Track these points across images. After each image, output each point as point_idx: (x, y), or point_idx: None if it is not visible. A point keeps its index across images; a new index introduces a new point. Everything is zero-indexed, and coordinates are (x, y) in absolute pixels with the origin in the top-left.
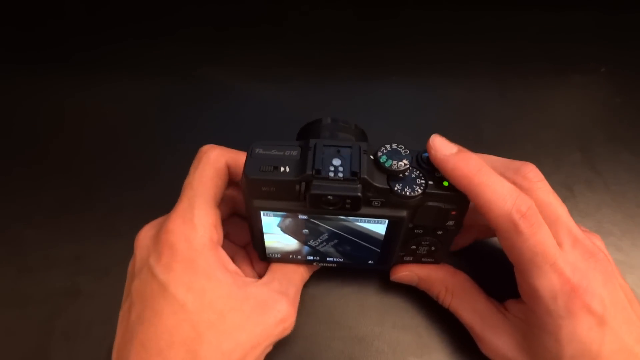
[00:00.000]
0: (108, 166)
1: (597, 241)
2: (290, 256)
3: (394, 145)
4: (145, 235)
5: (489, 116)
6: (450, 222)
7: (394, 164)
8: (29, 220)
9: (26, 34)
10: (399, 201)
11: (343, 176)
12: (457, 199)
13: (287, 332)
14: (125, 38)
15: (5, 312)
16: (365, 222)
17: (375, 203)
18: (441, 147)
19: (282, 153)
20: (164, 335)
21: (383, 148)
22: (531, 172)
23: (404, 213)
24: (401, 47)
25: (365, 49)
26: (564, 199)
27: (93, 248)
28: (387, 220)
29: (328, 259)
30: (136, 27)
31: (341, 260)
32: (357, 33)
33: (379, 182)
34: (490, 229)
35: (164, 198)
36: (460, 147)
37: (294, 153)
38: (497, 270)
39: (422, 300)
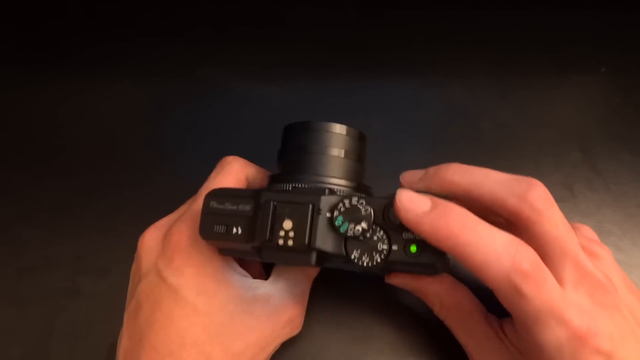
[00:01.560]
0: (108, 166)
1: (606, 257)
2: None
3: (354, 201)
4: (150, 237)
5: (489, 116)
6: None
7: (350, 229)
8: (29, 220)
9: (26, 33)
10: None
11: (293, 244)
12: (425, 269)
13: (296, 331)
14: (125, 38)
15: (5, 312)
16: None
17: (336, 262)
18: (411, 205)
19: (235, 207)
20: (175, 338)
21: (341, 205)
22: (539, 200)
23: (370, 270)
24: (401, 47)
25: (365, 50)
26: (564, 199)
27: (93, 248)
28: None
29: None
30: (136, 27)
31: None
32: (357, 33)
33: (335, 248)
34: None
35: (164, 198)
36: (435, 199)
37: (247, 209)
38: None
39: (422, 300)
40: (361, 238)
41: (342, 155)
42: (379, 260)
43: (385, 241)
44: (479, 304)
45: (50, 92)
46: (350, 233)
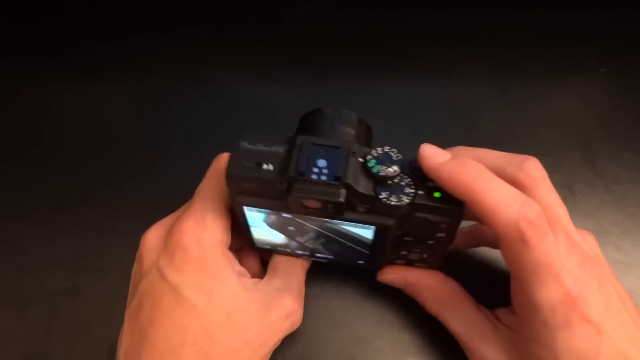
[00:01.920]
0: (108, 166)
1: (591, 241)
2: (279, 248)
3: (386, 149)
4: (152, 237)
5: (489, 116)
6: (441, 234)
7: (383, 170)
8: (29, 219)
9: (26, 33)
10: (386, 210)
11: (326, 179)
12: (447, 212)
13: (296, 326)
14: (125, 38)
15: (5, 312)
16: (351, 226)
17: (360, 209)
18: (433, 155)
19: (267, 148)
20: (175, 336)
21: (374, 151)
22: (534, 169)
23: (390, 221)
24: (401, 46)
25: (365, 49)
26: (564, 199)
27: (93, 248)
28: (373, 227)
29: (317, 254)
30: (136, 27)
31: (331, 257)
32: (357, 32)
33: (365, 188)
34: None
35: (164, 198)
36: (453, 153)
37: (280, 149)
38: (488, 277)
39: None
40: (390, 182)
41: (354, 135)
42: (406, 201)
43: (412, 186)
44: (469, 295)
45: (50, 91)
46: (382, 173)
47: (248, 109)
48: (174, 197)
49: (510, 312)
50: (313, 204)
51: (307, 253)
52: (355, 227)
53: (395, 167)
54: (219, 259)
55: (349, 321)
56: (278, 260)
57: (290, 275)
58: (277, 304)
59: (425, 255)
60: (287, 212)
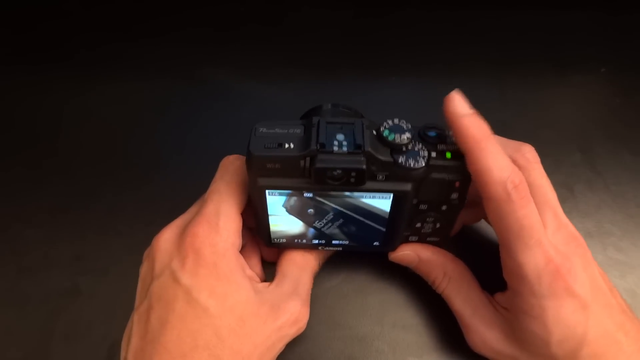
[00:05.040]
0: (108, 166)
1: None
2: (296, 240)
3: (396, 121)
4: (166, 239)
5: (488, 116)
6: (454, 196)
7: (397, 137)
8: (29, 220)
9: (26, 33)
10: (404, 174)
11: (347, 150)
12: (461, 169)
13: (301, 330)
14: (126, 39)
15: (5, 312)
16: (370, 197)
17: (380, 177)
18: (460, 104)
19: (285, 131)
20: (188, 339)
21: (385, 123)
22: (529, 153)
23: (408, 187)
24: (401, 47)
25: (365, 49)
26: (564, 199)
27: (93, 248)
28: (391, 195)
29: (333, 242)
30: (137, 28)
31: (347, 242)
32: (357, 33)
33: (383, 155)
34: None
35: (164, 198)
36: (474, 112)
37: (298, 131)
38: (490, 264)
39: (422, 300)
40: (404, 149)
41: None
42: (422, 163)
43: (425, 150)
44: (474, 277)
45: (50, 92)
46: (397, 140)
47: (248, 109)
48: (173, 198)
49: (504, 293)
50: (336, 175)
51: (322, 242)
52: (374, 199)
53: (408, 135)
54: (231, 262)
55: (349, 321)
56: (287, 265)
57: (299, 280)
58: (286, 309)
59: (438, 225)
60: (309, 190)
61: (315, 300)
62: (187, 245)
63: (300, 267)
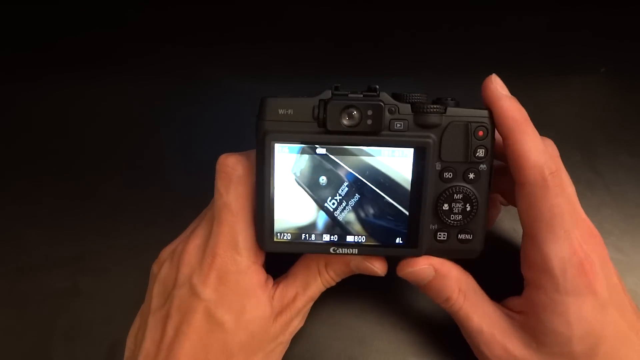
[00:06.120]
0: (108, 166)
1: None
2: (303, 235)
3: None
4: (191, 253)
5: None
6: (480, 153)
7: (415, 97)
8: (29, 220)
9: (26, 34)
10: (423, 120)
11: (362, 92)
12: (481, 114)
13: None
14: (125, 38)
15: (5, 312)
16: (389, 156)
17: (398, 125)
18: (501, 85)
19: (295, 98)
20: (201, 353)
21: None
22: (550, 147)
23: (429, 138)
24: (401, 47)
25: (365, 49)
26: None
27: (93, 248)
28: (412, 152)
29: (348, 238)
30: (137, 28)
31: (364, 240)
32: (356, 33)
33: (401, 101)
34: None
35: (164, 198)
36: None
37: (307, 98)
38: (494, 269)
39: (422, 300)
40: (422, 109)
41: None
42: (442, 109)
43: (442, 106)
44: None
45: (51, 92)
46: (415, 99)
47: (248, 110)
48: (174, 198)
49: (520, 297)
50: (352, 117)
51: (335, 238)
52: (393, 157)
53: (424, 95)
54: (253, 278)
55: (349, 321)
56: (304, 279)
57: (310, 295)
58: (291, 324)
59: (468, 207)
60: (322, 144)
61: (316, 300)
62: (208, 264)
63: (308, 274)
